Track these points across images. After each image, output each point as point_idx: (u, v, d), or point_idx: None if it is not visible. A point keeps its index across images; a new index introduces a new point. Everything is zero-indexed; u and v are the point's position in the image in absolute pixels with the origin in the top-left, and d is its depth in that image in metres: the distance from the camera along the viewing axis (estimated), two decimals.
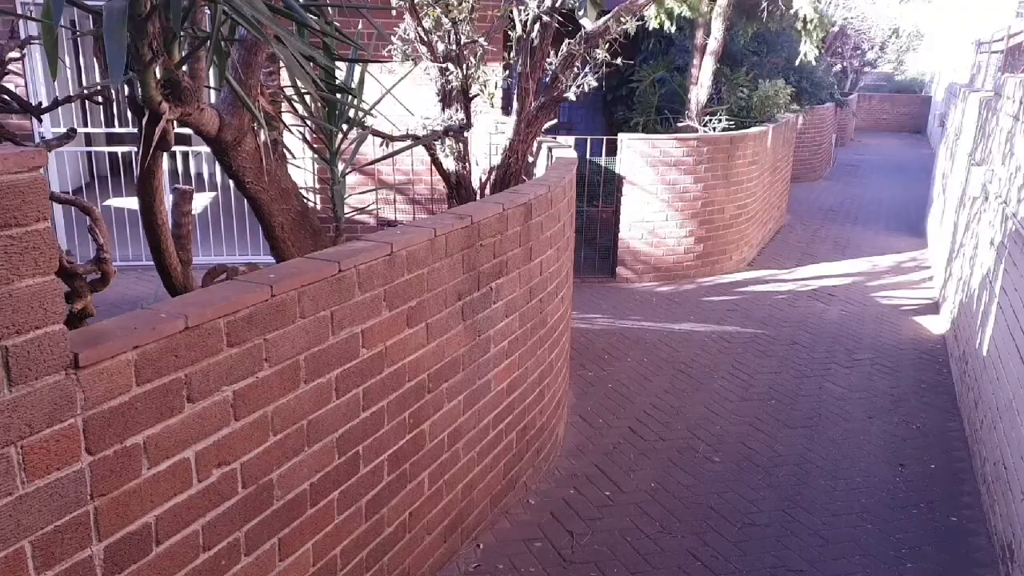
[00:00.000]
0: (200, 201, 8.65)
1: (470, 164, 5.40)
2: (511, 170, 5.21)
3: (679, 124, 9.22)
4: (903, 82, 34.17)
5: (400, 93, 7.72)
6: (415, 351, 2.68)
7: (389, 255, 2.44)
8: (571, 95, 5.06)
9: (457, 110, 5.09)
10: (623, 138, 8.17)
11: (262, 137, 3.01)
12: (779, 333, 7.06)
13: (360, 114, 3.85)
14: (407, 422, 2.67)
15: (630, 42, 12.54)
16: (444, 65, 4.73)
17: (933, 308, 8.00)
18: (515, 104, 5.10)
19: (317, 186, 7.83)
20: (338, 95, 3.63)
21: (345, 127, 3.71)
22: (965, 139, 8.42)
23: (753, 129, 9.33)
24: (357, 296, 2.30)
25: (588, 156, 8.45)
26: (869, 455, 4.82)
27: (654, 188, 8.30)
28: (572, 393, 5.50)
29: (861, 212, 13.43)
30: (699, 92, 9.09)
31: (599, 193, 8.60)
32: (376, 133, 4.78)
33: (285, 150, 3.43)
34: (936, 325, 7.42)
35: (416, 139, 4.95)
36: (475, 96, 4.88)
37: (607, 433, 4.92)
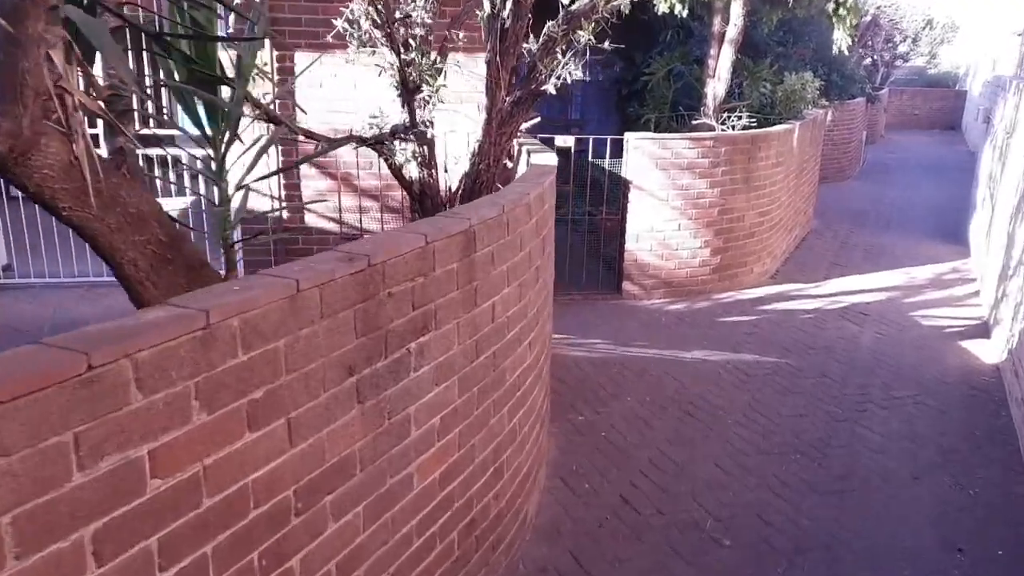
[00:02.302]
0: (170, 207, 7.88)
1: (436, 171, 4.52)
2: (481, 179, 4.34)
3: (694, 122, 8.28)
4: (936, 76, 32.77)
5: (367, 86, 6.77)
6: (267, 462, 1.82)
7: (203, 329, 1.59)
8: (550, 87, 4.17)
9: (421, 106, 4.22)
10: (629, 138, 7.26)
11: (81, 144, 2.15)
12: (805, 363, 6.12)
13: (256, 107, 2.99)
14: (257, 567, 1.82)
15: (645, 33, 11.59)
16: (404, 55, 3.86)
17: (982, 330, 7.01)
18: (484, 99, 4.22)
19: (282, 195, 7.00)
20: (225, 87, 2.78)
21: (252, 125, 2.85)
22: (1021, 137, 7.40)
23: (777, 127, 8.37)
24: (135, 402, 1.46)
25: (591, 158, 7.55)
26: (916, 533, 3.89)
27: (665, 194, 7.38)
28: (555, 445, 4.62)
29: (894, 216, 12.39)
30: (716, 86, 8.13)
31: (603, 199, 7.70)
32: (309, 134, 3.94)
33: (140, 162, 2.57)
34: (987, 352, 6.44)
35: (360, 140, 4.10)
36: (417, 90, 4.00)
37: (593, 503, 4.03)
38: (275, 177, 6.98)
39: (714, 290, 7.87)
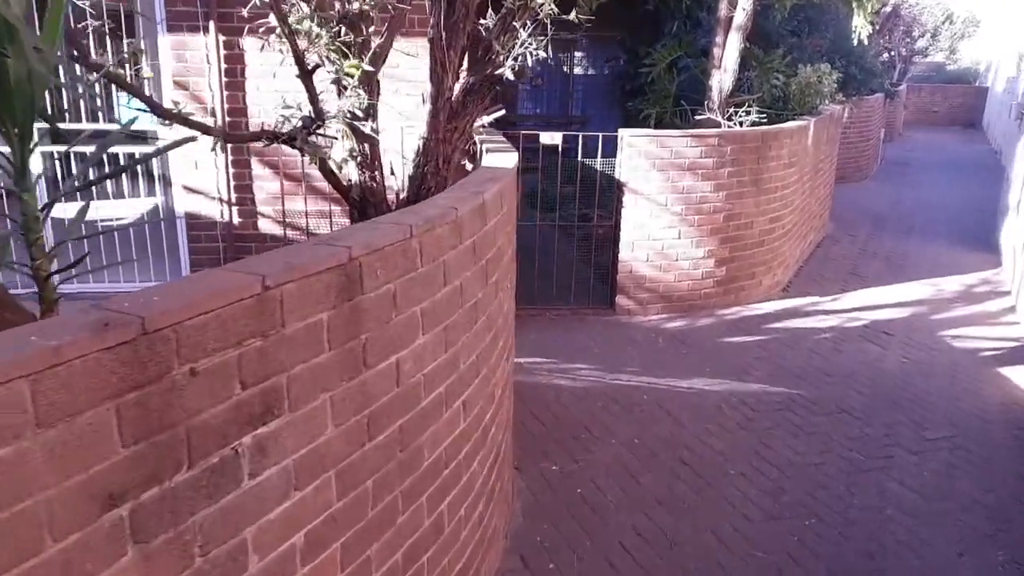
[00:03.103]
0: (103, 212, 7.12)
1: (381, 173, 3.74)
2: (427, 184, 3.55)
3: (697, 117, 7.46)
4: (955, 72, 31.72)
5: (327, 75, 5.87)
6: None
7: None
8: (507, 71, 3.38)
9: (343, 92, 3.44)
10: (623, 134, 6.46)
11: None
12: (821, 394, 5.30)
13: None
14: None
15: (651, 24, 10.74)
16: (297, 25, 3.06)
17: (1022, 355, 6.17)
18: (429, 88, 3.44)
19: (229, 197, 6.23)
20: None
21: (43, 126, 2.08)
22: None
23: (790, 123, 7.54)
24: None
25: (581, 156, 6.74)
26: None
27: (663, 197, 6.57)
28: (519, 507, 3.83)
29: (916, 219, 11.52)
30: (723, 78, 7.31)
31: (594, 203, 6.89)
32: (187, 122, 3.16)
33: None
34: None
35: (272, 137, 3.33)
36: (315, 70, 3.22)
37: None
38: (224, 178, 6.22)
39: (718, 305, 7.06)
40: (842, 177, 12.38)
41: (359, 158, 3.62)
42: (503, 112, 4.12)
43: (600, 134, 6.63)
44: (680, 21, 9.30)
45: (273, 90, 6.06)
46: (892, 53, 21.94)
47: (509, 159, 3.39)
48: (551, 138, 6.43)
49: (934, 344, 6.38)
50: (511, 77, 3.35)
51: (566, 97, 15.06)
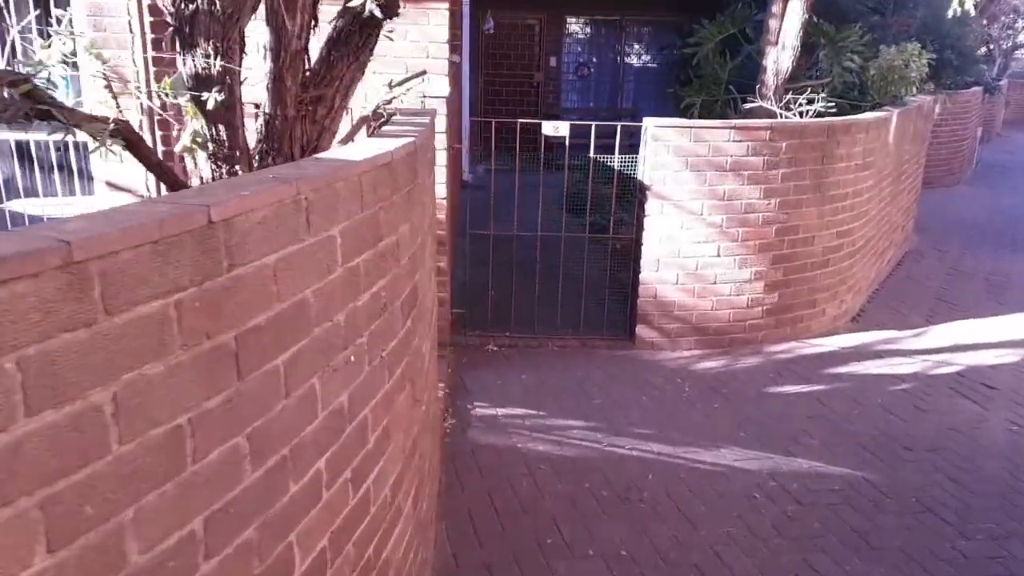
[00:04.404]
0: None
1: (250, 168, 2.54)
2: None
3: (746, 106, 6.04)
4: None
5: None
6: None
7: None
8: (375, 8, 2.13)
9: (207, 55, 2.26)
10: (647, 124, 5.12)
11: None
12: (895, 478, 3.88)
13: None
14: None
15: (711, 3, 9.18)
16: None
17: None
18: (268, 38, 2.22)
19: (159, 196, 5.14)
20: None
21: None
22: None
23: (867, 115, 6.05)
24: None
25: (594, 153, 5.43)
26: None
27: (698, 204, 5.20)
28: None
29: (1019, 232, 9.75)
30: (780, 57, 5.87)
31: (609, 208, 5.57)
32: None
33: None
34: None
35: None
36: None
37: None
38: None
39: (768, 340, 5.64)
40: (928, 181, 10.65)
41: (212, 146, 2.42)
42: (425, 74, 2.87)
43: (619, 124, 5.29)
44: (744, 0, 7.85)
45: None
46: (991, 46, 19.73)
47: (377, 146, 2.10)
48: (554, 129, 5.13)
49: None
50: (379, 15, 2.08)
51: (616, 88, 13.67)
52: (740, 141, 5.13)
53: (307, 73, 2.24)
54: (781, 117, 5.77)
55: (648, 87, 13.50)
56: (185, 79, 2.39)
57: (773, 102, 5.87)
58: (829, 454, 4.10)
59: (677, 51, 10.56)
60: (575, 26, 13.47)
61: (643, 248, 5.31)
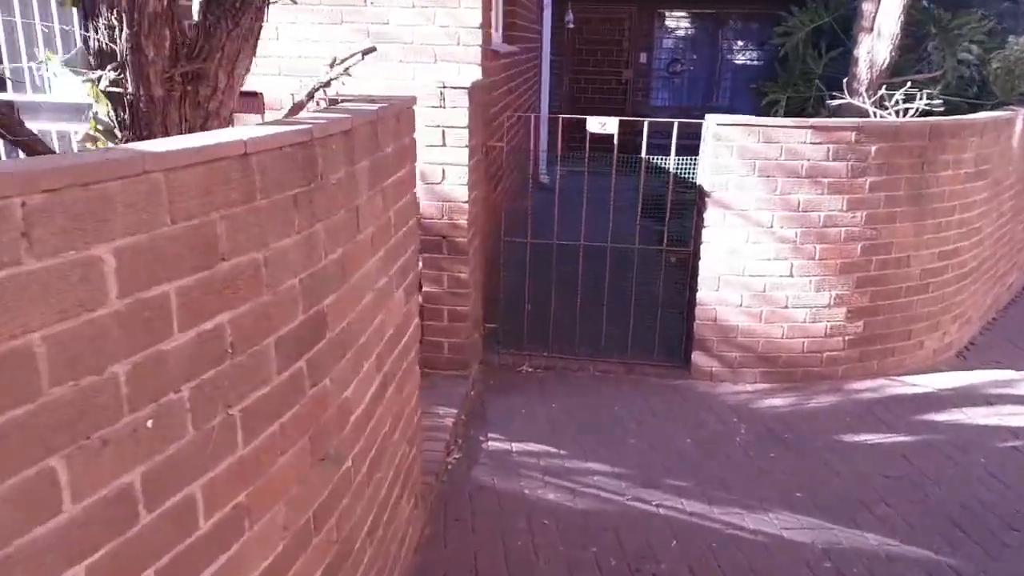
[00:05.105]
0: None
1: None
2: None
3: (834, 103, 5.22)
4: None
5: (331, 35, 4.29)
6: None
7: None
8: None
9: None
10: (709, 122, 4.44)
11: None
12: (994, 570, 3.07)
13: None
14: None
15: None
16: None
17: None
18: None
19: None
20: None
21: None
22: None
23: (981, 114, 5.11)
24: None
25: (648, 153, 4.77)
26: None
27: (767, 215, 4.47)
28: None
29: None
30: (875, 46, 5.02)
31: (667, 218, 4.90)
32: None
33: None
34: None
35: None
36: None
37: None
38: None
39: (851, 376, 4.83)
40: None
41: (122, 135, 1.98)
42: (373, 51, 2.34)
43: (675, 120, 4.61)
44: None
45: (272, 54, 4.58)
46: None
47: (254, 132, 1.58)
48: (600, 125, 4.51)
49: None
50: None
51: (711, 86, 12.77)
52: (819, 143, 4.36)
53: (175, 42, 1.75)
54: (875, 116, 4.93)
55: (746, 85, 12.54)
56: (89, 56, 1.95)
57: (865, 99, 5.02)
58: (908, 529, 3.32)
59: (778, 46, 9.67)
60: (668, 20, 12.68)
61: (701, 263, 4.62)
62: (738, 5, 12.11)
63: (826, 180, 4.43)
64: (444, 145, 4.04)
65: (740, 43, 12.75)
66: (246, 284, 1.55)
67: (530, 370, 4.82)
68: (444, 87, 3.95)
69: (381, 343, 2.40)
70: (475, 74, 4.46)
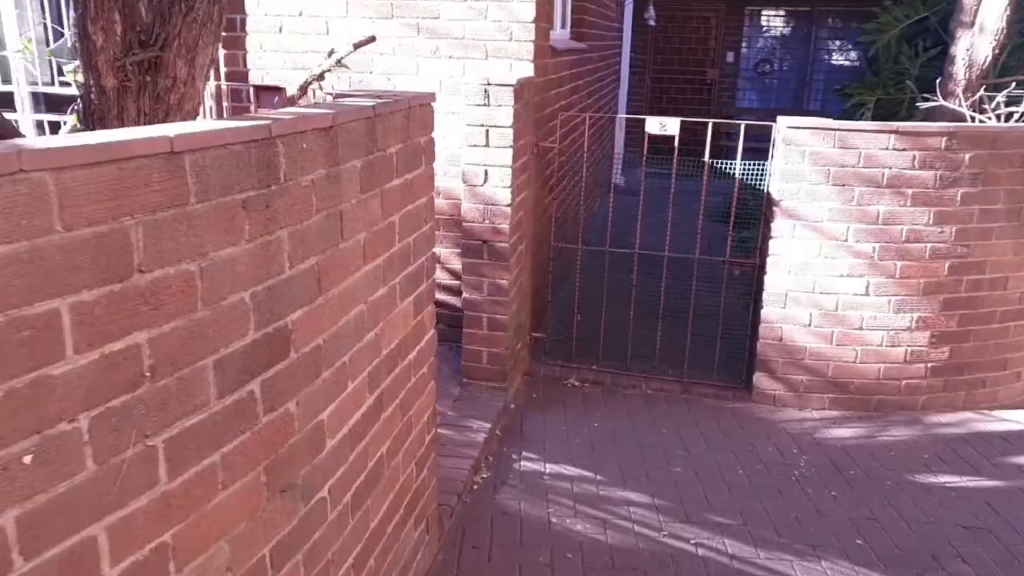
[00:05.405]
0: None
1: None
2: None
3: (923, 105, 4.74)
4: None
5: (342, 26, 4.21)
6: None
7: None
8: None
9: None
10: (780, 124, 4.08)
11: None
12: None
13: None
14: None
15: None
16: None
17: None
18: None
19: None
20: None
21: None
22: None
23: None
24: None
25: (712, 156, 4.44)
26: None
27: (842, 227, 4.08)
28: None
29: None
30: (975, 42, 4.52)
31: (730, 227, 4.55)
32: None
33: None
34: None
35: None
36: None
37: None
38: None
39: (932, 407, 4.37)
40: None
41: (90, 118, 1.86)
42: (373, 40, 2.15)
43: (742, 122, 4.26)
44: None
45: (279, 48, 4.52)
46: None
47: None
48: (660, 126, 4.21)
49: None
50: None
51: (802, 87, 12.12)
52: (904, 150, 3.94)
53: (127, 26, 1.59)
54: (972, 121, 4.44)
55: (840, 86, 11.83)
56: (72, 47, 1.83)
57: (961, 101, 4.53)
58: None
59: (866, 45, 9.06)
60: (758, 18, 12.11)
61: (767, 278, 4.26)
62: (834, 2, 11.45)
63: (910, 190, 4.00)
64: (487, 145, 3.82)
65: (835, 43, 12.06)
66: (173, 299, 1.37)
67: (577, 384, 4.56)
68: (489, 84, 3.73)
69: (377, 359, 2.21)
70: (527, 71, 4.23)
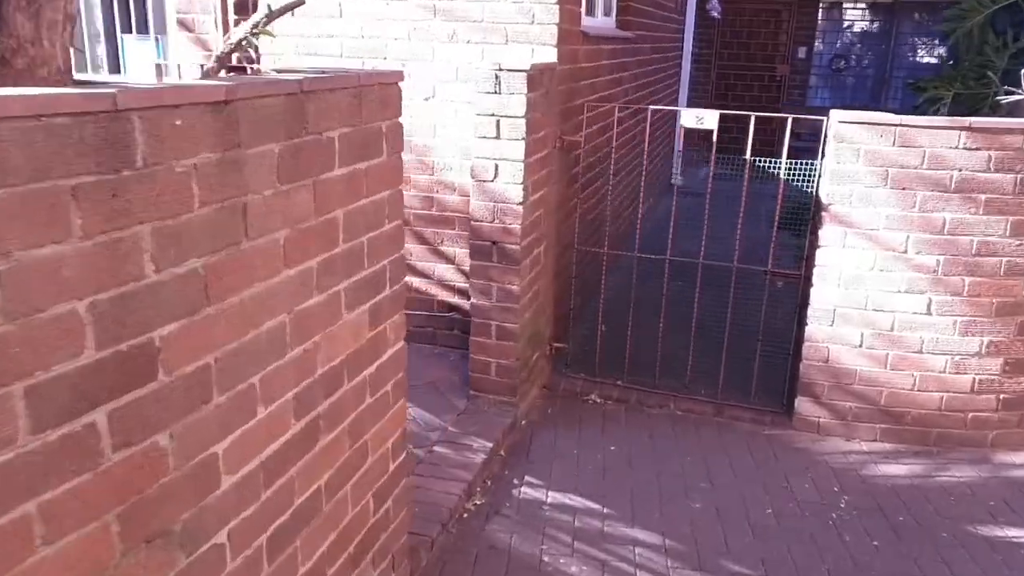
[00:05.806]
0: None
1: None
2: None
3: (1003, 99, 4.18)
4: None
5: (356, 10, 4.00)
6: None
7: None
8: None
9: None
10: (832, 119, 3.61)
11: None
12: None
13: None
14: None
15: None
16: None
17: None
18: None
19: None
20: None
21: None
22: None
23: None
24: None
25: (753, 154, 3.98)
26: None
27: (899, 236, 3.59)
28: None
29: None
30: None
31: (772, 234, 4.09)
32: None
33: None
34: None
35: None
36: None
37: None
38: None
39: (1004, 445, 3.83)
40: None
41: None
42: (303, 4, 1.83)
43: (789, 116, 3.80)
44: None
45: (290, 33, 4.28)
46: None
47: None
48: (697, 120, 3.79)
49: None
50: None
51: (880, 84, 11.36)
52: (977, 149, 3.42)
53: None
54: None
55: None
56: None
57: None
58: None
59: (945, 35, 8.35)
60: (834, 12, 11.40)
61: (813, 291, 3.79)
62: None
63: (983, 196, 3.48)
64: (498, 137, 3.48)
65: (920, 39, 11.26)
66: None
67: (598, 401, 4.18)
68: (500, 69, 3.39)
69: (309, 379, 1.89)
70: (550, 56, 3.87)
